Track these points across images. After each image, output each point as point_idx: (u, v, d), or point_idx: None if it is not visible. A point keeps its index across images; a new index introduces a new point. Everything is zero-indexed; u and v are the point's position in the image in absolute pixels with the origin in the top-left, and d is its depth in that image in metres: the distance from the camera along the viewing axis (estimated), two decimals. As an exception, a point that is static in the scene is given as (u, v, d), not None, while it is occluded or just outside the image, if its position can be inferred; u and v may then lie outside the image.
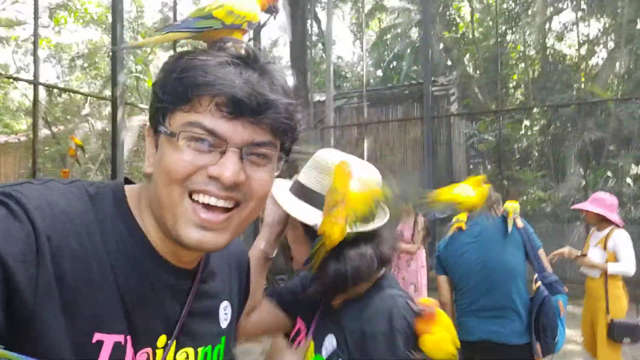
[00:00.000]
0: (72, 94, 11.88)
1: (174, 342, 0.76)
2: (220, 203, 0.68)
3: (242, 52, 0.72)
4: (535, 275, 2.84)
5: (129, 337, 0.69)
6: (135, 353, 0.70)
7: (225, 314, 0.88)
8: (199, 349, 0.81)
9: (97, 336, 0.65)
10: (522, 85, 13.58)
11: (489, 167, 11.80)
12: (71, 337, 0.62)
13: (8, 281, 0.56)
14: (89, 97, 11.84)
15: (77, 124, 11.39)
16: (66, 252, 0.63)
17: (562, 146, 11.02)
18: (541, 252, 2.88)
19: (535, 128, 12.27)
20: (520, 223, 2.92)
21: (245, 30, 0.92)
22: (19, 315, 0.58)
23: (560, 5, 13.18)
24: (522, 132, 11.89)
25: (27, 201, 0.62)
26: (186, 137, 0.67)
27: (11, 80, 9.68)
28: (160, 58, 16.00)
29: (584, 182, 9.23)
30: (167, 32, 0.88)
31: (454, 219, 3.09)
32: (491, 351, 2.78)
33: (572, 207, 4.71)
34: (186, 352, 0.78)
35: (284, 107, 0.70)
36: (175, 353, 0.76)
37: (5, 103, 14.15)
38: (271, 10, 1.01)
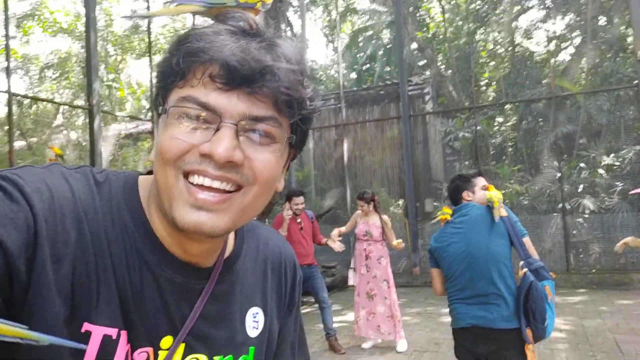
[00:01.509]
0: (43, 104, 11.64)
1: (183, 345, 0.70)
2: (216, 184, 0.61)
3: (244, 23, 0.64)
4: (521, 262, 2.92)
5: (123, 332, 0.64)
6: (132, 350, 0.65)
7: (255, 321, 0.80)
8: (216, 358, 0.73)
9: (85, 326, 0.61)
10: (494, 83, 13.89)
11: (465, 162, 12.01)
12: (63, 326, 0.59)
13: (8, 264, 0.54)
14: (60, 107, 11.61)
15: (50, 134, 11.16)
16: (64, 236, 0.60)
17: (535, 140, 11.32)
18: (526, 239, 2.96)
19: (508, 124, 12.57)
20: (503, 212, 2.99)
21: (258, 10, 0.87)
22: (17, 298, 0.56)
23: (527, 4, 13.54)
24: (497, 128, 12.15)
25: (24, 183, 0.59)
26: (178, 114, 0.61)
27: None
28: (131, 66, 15.82)
29: (558, 174, 9.48)
30: (178, 4, 0.84)
31: (439, 213, 3.17)
32: (482, 337, 2.85)
33: (631, 193, 4.78)
34: (197, 359, 0.72)
35: (285, 74, 0.62)
36: (183, 358, 0.70)
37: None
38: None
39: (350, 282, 6.03)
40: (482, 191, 3.06)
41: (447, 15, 14.56)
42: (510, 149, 12.16)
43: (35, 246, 0.57)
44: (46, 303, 0.57)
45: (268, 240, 0.87)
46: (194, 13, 0.84)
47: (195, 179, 0.61)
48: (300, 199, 5.73)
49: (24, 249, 0.55)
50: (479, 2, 13.89)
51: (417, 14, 15.52)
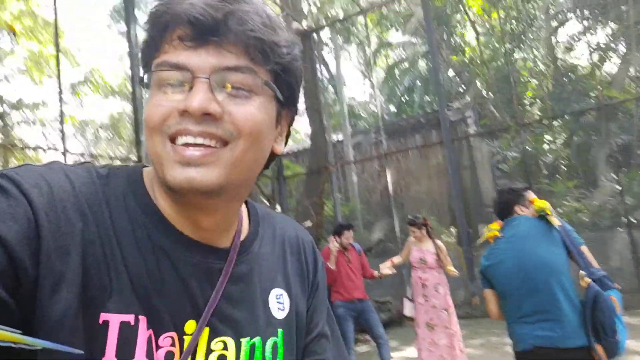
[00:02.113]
0: (98, 162, 12.32)
1: (207, 329, 0.68)
2: (199, 140, 0.60)
3: None
4: (581, 272, 2.71)
5: (142, 318, 0.62)
6: (157, 337, 0.64)
7: (280, 303, 0.78)
8: (243, 340, 0.71)
9: (102, 316, 0.60)
10: (538, 101, 13.53)
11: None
12: (76, 319, 0.58)
13: (12, 261, 0.53)
14: (114, 162, 12.22)
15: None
16: (68, 228, 0.59)
17: (589, 154, 10.83)
18: (584, 248, 2.75)
19: (559, 141, 12.12)
20: (556, 221, 2.82)
21: None
22: (26, 292, 0.55)
23: (563, 17, 13.27)
24: (546, 146, 11.74)
25: (22, 180, 0.59)
26: (155, 81, 0.62)
27: (43, 152, 10.15)
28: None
29: (618, 187, 8.98)
30: None
31: (486, 230, 3.00)
32: (548, 358, 2.63)
33: None
34: (223, 342, 0.69)
35: (251, 17, 0.61)
36: (209, 341, 0.68)
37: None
38: None
39: (406, 311, 5.79)
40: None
41: (481, 39, 14.48)
42: (563, 166, 11.68)
43: (38, 239, 0.56)
44: (57, 296, 0.56)
45: (284, 225, 0.86)
46: None
47: (180, 140, 0.61)
48: (350, 233, 5.62)
49: (26, 242, 0.55)
50: (513, 21, 13.75)
51: (452, 40, 15.52)
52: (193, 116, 0.59)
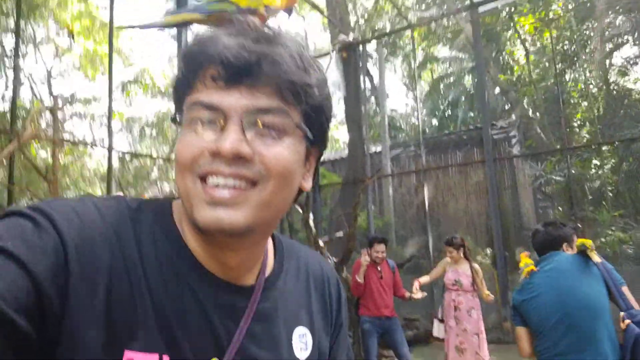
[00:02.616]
0: (143, 159, 12.68)
1: None
2: (230, 182, 0.61)
3: (243, 25, 0.65)
4: (622, 314, 2.58)
5: (166, 357, 0.62)
6: None
7: (303, 342, 0.77)
8: None
9: (127, 354, 0.59)
10: (588, 124, 13.07)
11: (559, 208, 11.21)
12: (102, 354, 0.58)
13: (40, 295, 0.54)
14: (157, 161, 12.54)
15: (147, 187, 12.03)
16: (96, 263, 0.60)
17: (638, 183, 10.35)
18: (625, 289, 2.62)
19: (607, 166, 11.65)
20: (597, 258, 2.70)
21: (263, 15, 0.84)
22: (51, 328, 0.56)
23: (619, 39, 12.80)
24: (593, 171, 11.30)
25: (54, 213, 0.60)
26: (188, 120, 0.63)
27: (89, 147, 10.51)
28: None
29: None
30: (179, 14, 0.82)
31: (522, 265, 2.89)
32: (581, 400, 2.51)
33: None
34: None
35: (283, 59, 0.61)
36: None
37: (82, 171, 15.26)
38: (288, 11, 0.97)
39: (435, 333, 5.65)
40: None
41: (532, 57, 14.12)
42: (610, 193, 11.21)
43: (66, 273, 0.57)
44: (82, 330, 0.57)
45: (308, 258, 0.86)
46: (196, 21, 0.82)
47: (211, 180, 0.61)
48: (382, 247, 5.48)
49: (54, 276, 0.56)
50: (566, 42, 13.36)
51: (501, 58, 15.22)
52: (225, 158, 0.60)
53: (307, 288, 0.82)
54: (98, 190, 15.55)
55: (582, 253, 2.70)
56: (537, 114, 12.93)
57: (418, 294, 5.34)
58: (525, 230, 11.31)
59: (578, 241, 2.77)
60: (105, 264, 0.61)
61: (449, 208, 11.90)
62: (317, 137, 0.68)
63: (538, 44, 14.35)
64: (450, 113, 17.70)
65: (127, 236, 0.65)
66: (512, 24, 13.74)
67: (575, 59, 13.23)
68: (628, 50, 13.40)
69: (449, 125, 16.91)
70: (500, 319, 9.20)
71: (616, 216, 9.66)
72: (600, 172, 11.61)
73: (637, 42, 12.80)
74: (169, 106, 15.32)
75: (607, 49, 12.96)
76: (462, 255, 5.43)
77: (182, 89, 0.65)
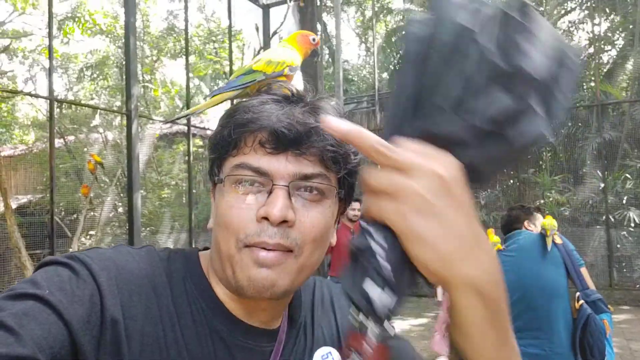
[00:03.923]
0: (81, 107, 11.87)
1: None
2: (272, 249, 0.64)
3: (287, 91, 0.70)
4: (577, 294, 2.77)
5: None
6: None
7: None
8: None
9: None
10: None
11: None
12: None
13: (74, 344, 0.55)
14: (97, 109, 11.81)
15: (87, 134, 11.37)
16: (132, 312, 0.62)
17: (576, 147, 10.93)
18: (583, 270, 2.81)
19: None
20: (558, 239, 2.85)
21: (288, 75, 0.95)
22: None
23: (569, 4, 13.09)
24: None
25: (92, 262, 0.62)
26: (233, 181, 0.65)
27: (30, 95, 9.68)
28: (166, 65, 16.02)
29: (602, 185, 9.12)
30: (214, 95, 0.91)
31: None
32: (535, 376, 2.69)
33: None
34: None
35: (328, 134, 0.63)
36: None
37: (14, 115, 14.18)
38: (314, 54, 1.06)
39: (439, 297, 5.80)
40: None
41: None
42: (549, 156, 11.78)
43: (101, 325, 0.58)
44: None
45: (320, 283, 0.88)
46: (231, 99, 0.91)
47: (254, 249, 0.64)
48: (357, 205, 5.42)
49: (89, 326, 0.57)
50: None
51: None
52: (272, 223, 0.63)
53: (322, 313, 0.83)
54: (32, 137, 14.57)
55: (542, 236, 2.84)
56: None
57: None
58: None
59: (543, 222, 2.89)
60: (141, 314, 0.63)
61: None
62: (346, 195, 0.72)
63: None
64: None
65: (162, 287, 0.67)
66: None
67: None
68: (575, 15, 13.78)
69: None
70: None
71: (556, 180, 10.19)
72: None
73: (583, 7, 13.17)
74: (108, 46, 14.30)
75: (556, 14, 13.25)
76: None
77: (225, 149, 0.67)
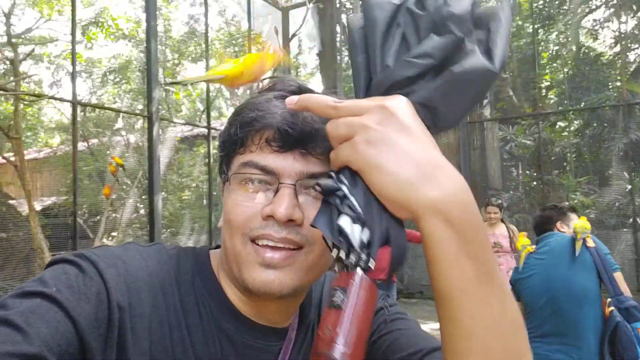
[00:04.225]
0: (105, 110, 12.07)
1: None
2: (279, 245, 0.63)
3: (294, 87, 0.69)
4: (609, 300, 2.67)
5: None
6: None
7: None
8: None
9: None
10: (556, 86, 13.22)
11: (526, 172, 11.46)
12: None
13: (81, 342, 0.56)
14: (119, 112, 11.99)
15: (110, 137, 11.55)
16: (139, 310, 0.62)
17: (602, 148, 10.66)
18: (618, 274, 2.70)
19: (571, 129, 11.90)
20: (591, 243, 2.76)
21: (277, 52, 1.06)
22: None
23: (594, 2, 12.80)
24: (563, 134, 11.50)
25: (99, 260, 0.62)
26: (239, 179, 0.65)
27: (51, 99, 9.91)
28: (188, 69, 16.20)
29: (629, 186, 8.88)
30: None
31: (520, 246, 2.98)
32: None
33: None
34: None
35: None
36: None
37: (40, 118, 14.48)
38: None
39: None
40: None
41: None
42: (573, 157, 11.52)
43: (108, 323, 0.58)
44: None
45: (325, 275, 0.87)
46: (221, 82, 0.96)
47: (261, 242, 0.63)
48: None
49: (96, 324, 0.57)
50: (541, 1, 13.27)
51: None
52: (278, 222, 0.62)
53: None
54: (56, 139, 14.89)
55: (574, 240, 2.76)
56: (509, 75, 12.96)
57: None
58: (491, 190, 11.57)
59: (574, 224, 2.81)
60: (148, 312, 0.62)
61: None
62: None
63: (512, 1, 14.19)
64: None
65: (170, 285, 0.66)
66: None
67: (550, 19, 13.19)
68: (600, 13, 13.47)
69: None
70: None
71: (582, 182, 9.96)
72: (563, 134, 11.86)
73: (608, 5, 12.86)
74: (131, 51, 14.54)
75: (580, 11, 12.96)
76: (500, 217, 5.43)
77: (233, 147, 0.67)
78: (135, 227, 8.29)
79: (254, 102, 0.67)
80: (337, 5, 10.19)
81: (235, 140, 0.67)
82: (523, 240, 3.01)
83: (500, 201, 5.41)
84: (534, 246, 2.95)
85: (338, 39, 10.76)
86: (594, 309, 2.66)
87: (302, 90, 0.68)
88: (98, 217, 8.75)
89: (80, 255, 0.63)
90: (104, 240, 7.33)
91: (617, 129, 10.09)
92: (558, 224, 2.92)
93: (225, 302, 0.69)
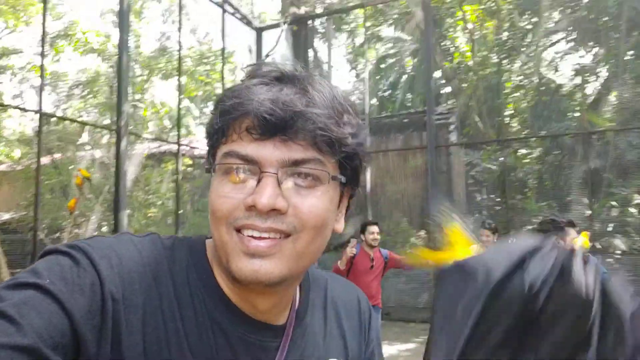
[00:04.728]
0: (69, 122, 11.76)
1: None
2: (265, 236, 0.62)
3: (276, 72, 0.66)
4: None
5: None
6: None
7: None
8: None
9: None
10: (518, 114, 13.71)
11: (491, 195, 11.76)
12: None
13: (75, 333, 0.55)
14: (85, 125, 11.73)
15: (74, 151, 11.25)
16: (133, 301, 0.61)
17: (562, 175, 11.07)
18: None
19: (533, 156, 12.33)
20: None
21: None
22: None
23: (555, 37, 13.42)
24: (526, 161, 11.89)
25: (92, 251, 0.60)
26: (222, 170, 0.64)
27: (10, 108, 9.59)
28: (156, 87, 16.03)
29: (589, 212, 9.22)
30: None
31: None
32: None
33: None
34: None
35: (318, 116, 0.62)
36: None
37: (1, 131, 14.00)
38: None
39: None
40: (572, 242, 2.95)
41: (470, 46, 14.50)
42: (535, 183, 11.90)
43: (102, 313, 0.58)
44: None
45: (336, 286, 0.86)
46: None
47: (246, 232, 0.62)
48: (375, 228, 5.25)
49: (90, 316, 0.56)
50: (506, 33, 13.82)
51: (442, 43, 15.50)
52: (260, 212, 0.61)
53: (337, 318, 0.81)
54: (16, 153, 14.38)
55: None
56: (476, 102, 13.38)
57: None
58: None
59: (574, 242, 2.89)
60: (141, 303, 0.61)
61: (387, 190, 12.13)
62: (350, 179, 0.69)
63: (478, 34, 14.75)
64: (389, 94, 17.92)
65: (164, 276, 0.65)
66: (459, 10, 13.97)
67: (514, 51, 13.74)
68: (561, 46, 14.13)
69: (388, 107, 17.13)
70: (431, 298, 9.61)
71: (544, 207, 10.28)
72: (525, 161, 12.26)
73: (568, 40, 13.51)
74: (99, 65, 14.30)
75: (542, 44, 13.57)
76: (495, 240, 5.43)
77: (215, 137, 0.65)
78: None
79: (233, 89, 0.65)
80: (311, 28, 10.33)
81: (217, 129, 0.65)
82: None
83: (493, 224, 5.47)
84: None
85: (311, 60, 10.89)
86: None
87: (285, 76, 0.65)
88: (58, 234, 8.45)
89: (73, 246, 0.62)
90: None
91: (576, 157, 10.51)
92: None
93: (219, 294, 0.68)
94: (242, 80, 0.67)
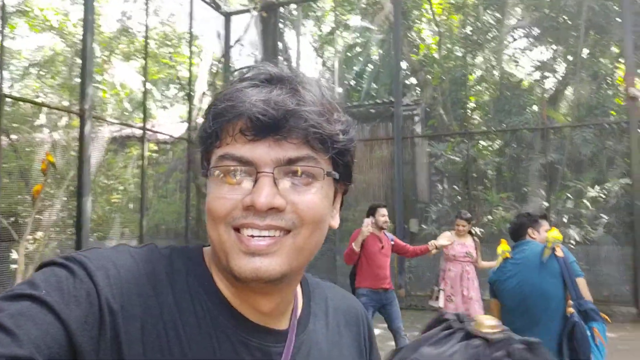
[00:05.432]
0: (22, 103, 11.23)
1: None
2: (264, 234, 0.63)
3: (265, 74, 0.67)
4: (570, 302, 2.98)
5: None
6: None
7: None
8: None
9: None
10: (480, 107, 14.07)
11: (454, 187, 12.07)
12: None
13: (72, 345, 0.55)
14: (42, 107, 11.24)
15: (30, 133, 10.77)
16: (132, 311, 0.61)
17: (520, 167, 11.48)
18: (580, 280, 3.02)
19: (492, 149, 12.71)
20: (560, 252, 3.04)
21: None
22: None
23: (517, 33, 13.81)
24: (487, 153, 12.24)
25: (89, 262, 0.61)
26: (218, 172, 0.65)
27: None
28: (116, 67, 15.52)
29: (546, 203, 9.62)
30: None
31: (499, 251, 3.28)
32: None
33: None
34: None
35: (309, 114, 0.64)
36: None
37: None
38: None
39: (440, 303, 5.75)
40: (546, 233, 3.15)
41: (437, 39, 14.74)
42: (494, 174, 12.28)
43: (99, 324, 0.58)
44: None
45: (335, 296, 0.87)
46: None
47: (246, 232, 0.63)
48: (385, 211, 5.25)
49: (87, 327, 0.56)
50: (470, 28, 14.11)
51: (408, 35, 15.67)
52: (259, 211, 0.62)
53: (337, 326, 0.83)
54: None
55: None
56: (441, 94, 13.63)
57: (442, 241, 5.43)
58: (420, 203, 12.07)
59: (549, 236, 3.07)
60: (140, 313, 0.62)
61: (353, 179, 12.21)
62: (343, 175, 0.71)
63: (444, 27, 14.99)
64: (354, 83, 17.99)
65: (163, 285, 0.65)
66: (427, 3, 14.14)
67: (478, 45, 14.05)
68: (521, 42, 14.56)
69: (352, 96, 17.22)
70: (396, 286, 9.83)
71: (504, 197, 10.64)
72: (485, 152, 12.64)
73: (529, 36, 13.93)
74: (57, 44, 13.68)
75: (506, 40, 13.94)
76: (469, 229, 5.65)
77: (209, 141, 0.66)
78: (60, 229, 7.79)
79: (225, 93, 0.66)
80: (280, 15, 10.24)
81: (210, 133, 0.66)
82: (504, 246, 3.27)
83: (469, 215, 5.80)
84: (508, 254, 3.22)
85: (280, 47, 10.80)
86: (557, 311, 2.96)
87: (274, 78, 0.67)
88: (13, 218, 8.13)
89: (69, 258, 0.62)
90: (25, 244, 6.82)
91: (534, 150, 10.92)
92: (530, 231, 3.22)
93: (220, 299, 0.69)
94: (231, 84, 0.68)
